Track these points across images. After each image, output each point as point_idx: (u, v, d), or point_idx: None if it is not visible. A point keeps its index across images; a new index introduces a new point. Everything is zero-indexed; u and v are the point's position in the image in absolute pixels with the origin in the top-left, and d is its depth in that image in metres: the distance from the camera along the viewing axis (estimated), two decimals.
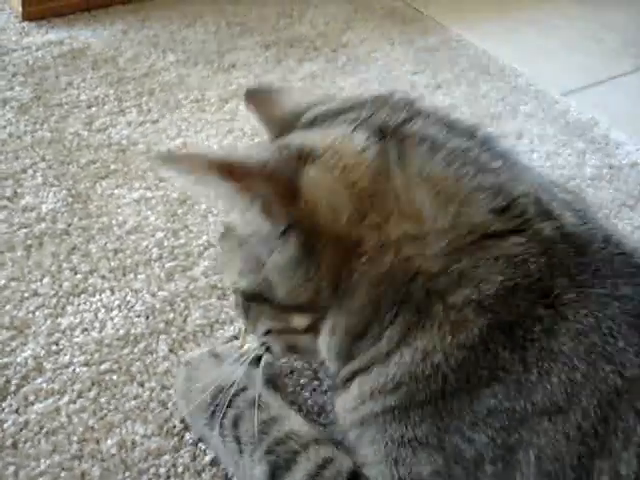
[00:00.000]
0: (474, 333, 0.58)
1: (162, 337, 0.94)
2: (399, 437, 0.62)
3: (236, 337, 0.94)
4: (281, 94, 0.78)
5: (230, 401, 0.77)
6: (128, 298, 0.99)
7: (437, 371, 0.59)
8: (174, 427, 0.83)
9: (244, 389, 0.79)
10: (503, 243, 0.59)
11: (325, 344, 0.68)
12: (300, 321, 0.67)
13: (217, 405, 0.77)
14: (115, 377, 0.88)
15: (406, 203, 0.60)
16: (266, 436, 0.74)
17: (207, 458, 0.80)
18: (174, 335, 0.94)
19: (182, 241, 1.09)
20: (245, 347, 0.86)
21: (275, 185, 0.60)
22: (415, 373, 0.60)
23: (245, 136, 1.34)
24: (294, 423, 0.76)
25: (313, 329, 0.67)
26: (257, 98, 0.77)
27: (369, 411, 0.64)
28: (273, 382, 0.84)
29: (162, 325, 0.96)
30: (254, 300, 0.70)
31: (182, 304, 0.99)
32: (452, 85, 1.60)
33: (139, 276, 1.03)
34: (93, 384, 0.87)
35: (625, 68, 1.77)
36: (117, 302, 0.98)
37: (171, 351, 0.92)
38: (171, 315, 0.97)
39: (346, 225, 0.60)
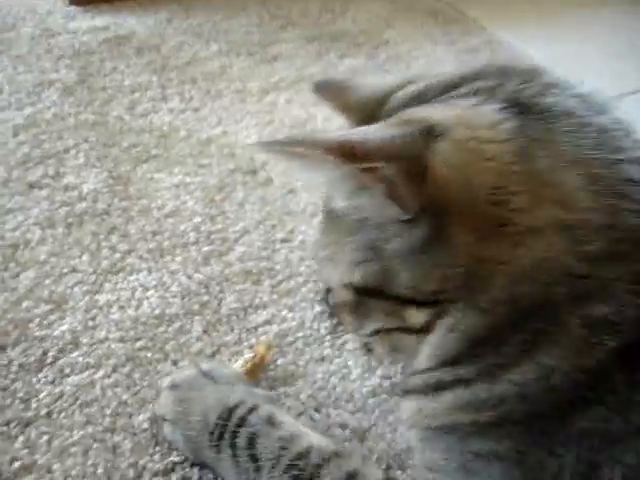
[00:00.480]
0: (599, 357, 0.51)
1: (196, 318, 0.95)
2: (478, 450, 0.58)
3: (269, 322, 0.95)
4: (351, 82, 0.71)
5: (242, 420, 0.75)
6: (164, 279, 1.01)
7: (549, 393, 0.53)
8: None
9: (255, 407, 0.76)
10: None
11: (433, 345, 0.60)
12: (418, 317, 0.60)
13: (225, 426, 0.75)
14: (149, 354, 0.90)
15: (556, 186, 0.52)
16: (286, 451, 0.71)
17: None
18: (208, 317, 0.95)
19: (219, 226, 1.11)
20: (239, 362, 0.87)
21: (401, 165, 0.53)
22: (524, 393, 0.54)
23: (285, 127, 1.35)
24: (313, 438, 0.74)
25: (427, 329, 0.60)
26: (327, 88, 0.72)
27: (451, 421, 0.59)
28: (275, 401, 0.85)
29: (197, 307, 0.97)
30: (367, 295, 0.63)
31: (217, 287, 1.00)
32: None
33: (176, 258, 1.04)
34: (128, 360, 0.89)
35: None
36: (154, 282, 1.00)
37: (205, 332, 0.93)
38: (206, 297, 0.98)
39: (485, 205, 0.53)
